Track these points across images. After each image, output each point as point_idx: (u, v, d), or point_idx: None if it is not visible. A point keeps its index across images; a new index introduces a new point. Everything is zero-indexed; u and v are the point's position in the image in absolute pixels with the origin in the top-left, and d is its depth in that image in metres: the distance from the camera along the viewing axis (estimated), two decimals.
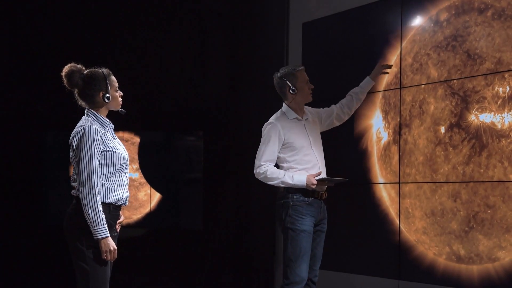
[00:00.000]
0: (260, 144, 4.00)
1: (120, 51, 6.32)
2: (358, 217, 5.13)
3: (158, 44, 6.45)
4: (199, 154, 6.47)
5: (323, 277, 5.36)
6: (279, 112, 4.09)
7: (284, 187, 3.96)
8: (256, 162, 3.96)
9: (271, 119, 4.05)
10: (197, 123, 6.50)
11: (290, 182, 3.88)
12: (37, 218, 6.43)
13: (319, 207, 3.99)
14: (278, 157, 3.99)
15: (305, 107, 4.16)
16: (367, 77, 4.39)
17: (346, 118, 4.32)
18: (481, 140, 4.23)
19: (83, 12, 6.37)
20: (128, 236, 6.05)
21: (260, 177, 3.96)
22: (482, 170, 4.22)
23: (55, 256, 6.31)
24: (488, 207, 4.19)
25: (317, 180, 3.90)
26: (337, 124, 4.31)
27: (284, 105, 4.10)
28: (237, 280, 6.19)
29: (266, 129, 4.01)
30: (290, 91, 4.03)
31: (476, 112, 4.28)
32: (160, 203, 6.43)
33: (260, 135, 4.07)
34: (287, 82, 4.03)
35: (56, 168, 6.45)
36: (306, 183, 3.87)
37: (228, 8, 6.23)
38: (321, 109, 4.29)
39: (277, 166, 4.01)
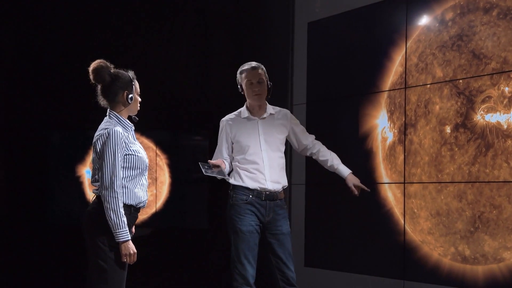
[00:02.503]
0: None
1: (125, 51, 6.32)
2: (363, 217, 5.12)
3: (163, 44, 6.45)
4: (205, 153, 6.47)
5: (328, 277, 5.35)
6: (239, 109, 4.05)
7: (230, 186, 3.95)
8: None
9: (226, 116, 4.05)
10: (202, 122, 6.50)
11: (219, 175, 3.87)
12: (42, 218, 6.44)
13: (264, 207, 3.90)
14: (232, 154, 3.99)
15: (274, 107, 4.05)
16: (348, 174, 4.05)
17: (306, 154, 4.19)
18: (486, 140, 4.22)
19: (88, 13, 6.37)
20: (134, 236, 6.04)
21: None
22: (487, 170, 4.20)
23: (60, 255, 6.33)
24: (494, 208, 4.18)
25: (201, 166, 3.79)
26: (295, 146, 4.16)
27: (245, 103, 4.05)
28: None
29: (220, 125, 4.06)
30: (240, 89, 4.00)
31: (481, 112, 4.26)
32: (166, 203, 6.44)
33: None
34: (238, 79, 3.99)
35: (61, 168, 6.46)
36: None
37: (233, 7, 6.22)
38: (300, 127, 4.11)
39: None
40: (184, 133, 6.58)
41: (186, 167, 6.51)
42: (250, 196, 3.88)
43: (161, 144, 6.40)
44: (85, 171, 6.43)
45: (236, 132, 3.96)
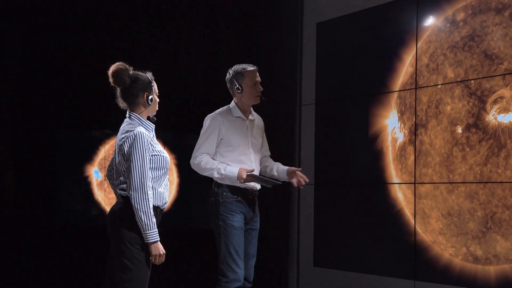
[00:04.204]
0: (200, 135, 4.03)
1: (132, 50, 6.31)
2: (373, 218, 5.12)
3: (170, 43, 6.44)
4: None
5: (338, 277, 5.35)
6: (225, 106, 4.10)
7: (214, 184, 4.01)
8: (193, 153, 4.00)
9: (215, 112, 4.07)
10: None
11: (223, 172, 3.90)
12: (50, 218, 6.44)
13: (248, 205, 4.02)
14: (216, 151, 4.01)
15: (255, 114, 4.17)
16: (285, 170, 4.15)
17: None
18: (499, 141, 4.22)
19: (95, 12, 6.37)
20: None
21: (194, 167, 3.99)
22: (500, 171, 4.20)
23: (68, 255, 6.33)
24: (506, 208, 4.18)
25: (247, 175, 3.90)
26: None
27: (232, 102, 4.11)
28: None
29: (207, 121, 4.04)
30: (236, 89, 4.03)
31: (494, 113, 4.26)
32: (174, 203, 6.43)
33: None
34: (234, 80, 4.04)
35: (69, 168, 6.45)
36: (237, 175, 3.88)
37: (242, 8, 6.21)
38: (265, 138, 4.29)
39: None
40: (192, 133, 6.57)
41: None
42: (240, 195, 3.97)
43: (169, 144, 6.39)
44: (93, 171, 6.42)
45: (227, 130, 3.99)
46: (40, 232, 6.38)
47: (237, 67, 4.08)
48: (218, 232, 3.96)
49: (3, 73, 6.36)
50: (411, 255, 4.77)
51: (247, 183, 3.95)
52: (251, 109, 4.13)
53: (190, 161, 4.01)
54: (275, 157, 6.05)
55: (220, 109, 4.08)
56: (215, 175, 3.93)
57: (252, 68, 4.06)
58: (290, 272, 5.90)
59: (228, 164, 3.94)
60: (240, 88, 4.01)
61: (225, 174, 3.90)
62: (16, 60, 6.46)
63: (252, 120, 4.11)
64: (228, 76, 4.11)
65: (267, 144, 4.29)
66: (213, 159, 4.00)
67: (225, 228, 3.93)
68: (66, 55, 6.37)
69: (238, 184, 3.95)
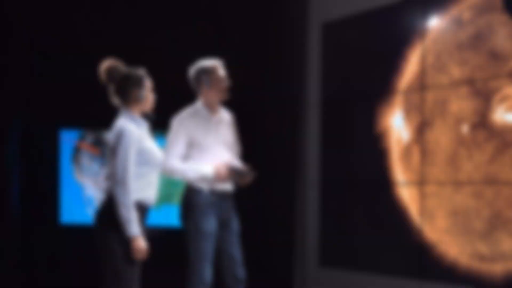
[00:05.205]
0: (168, 138, 3.86)
1: (136, 51, 6.32)
2: (379, 217, 5.12)
3: (172, 44, 6.45)
4: None
5: (343, 276, 5.35)
6: (192, 106, 3.96)
7: (188, 187, 3.87)
8: (163, 157, 3.76)
9: (181, 113, 3.91)
10: None
11: (198, 171, 3.77)
12: (54, 218, 6.45)
13: (222, 207, 3.90)
14: (186, 154, 3.87)
15: (224, 109, 4.06)
16: None
17: None
18: (505, 139, 4.23)
19: (98, 13, 6.40)
20: (145, 236, 6.03)
21: (166, 171, 3.80)
22: (506, 169, 4.21)
23: (69, 255, 6.34)
24: None
25: (226, 171, 3.79)
26: None
27: (199, 100, 3.97)
28: (254, 278, 6.17)
29: (174, 123, 3.87)
30: (205, 85, 3.90)
31: (500, 111, 4.27)
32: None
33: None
34: (200, 75, 3.91)
35: (70, 167, 6.47)
36: (215, 173, 3.77)
37: (247, 9, 6.23)
38: (236, 133, 4.15)
39: None
40: None
41: None
42: (213, 197, 3.85)
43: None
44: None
45: (198, 131, 3.86)
46: (43, 231, 6.40)
47: (201, 62, 3.95)
48: (188, 235, 3.85)
49: (9, 74, 6.39)
50: (417, 254, 4.77)
51: (219, 185, 3.85)
52: (219, 105, 4.00)
53: (162, 165, 3.78)
54: (280, 157, 6.07)
55: (187, 109, 3.95)
56: (190, 176, 3.79)
57: (216, 62, 3.96)
58: (295, 271, 5.91)
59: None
60: (208, 83, 3.90)
61: (202, 173, 3.78)
62: (19, 59, 6.48)
63: (221, 118, 3.99)
64: (192, 73, 3.96)
65: (237, 142, 4.13)
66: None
67: (195, 233, 3.81)
68: (69, 55, 6.39)
69: (211, 186, 3.84)
